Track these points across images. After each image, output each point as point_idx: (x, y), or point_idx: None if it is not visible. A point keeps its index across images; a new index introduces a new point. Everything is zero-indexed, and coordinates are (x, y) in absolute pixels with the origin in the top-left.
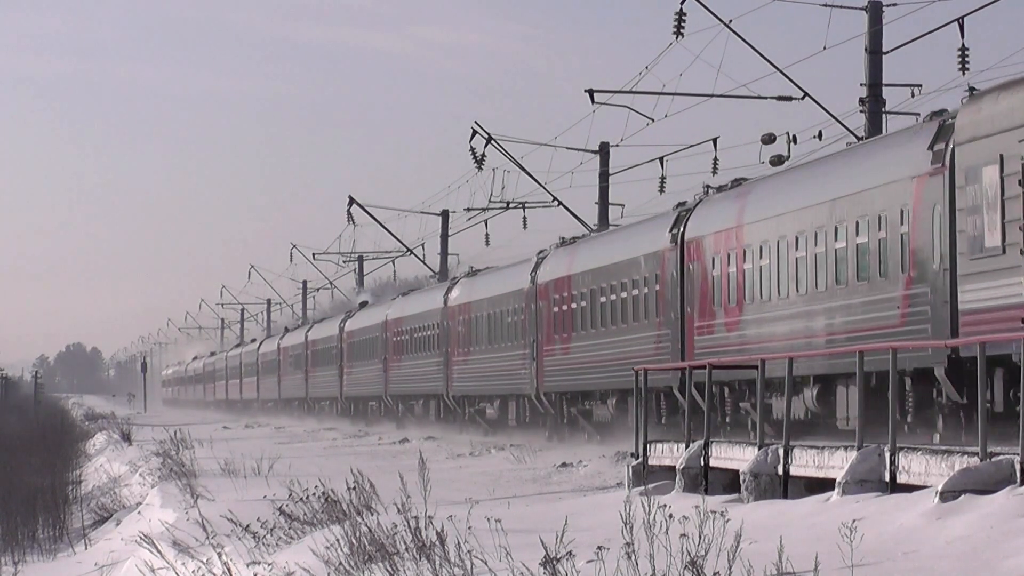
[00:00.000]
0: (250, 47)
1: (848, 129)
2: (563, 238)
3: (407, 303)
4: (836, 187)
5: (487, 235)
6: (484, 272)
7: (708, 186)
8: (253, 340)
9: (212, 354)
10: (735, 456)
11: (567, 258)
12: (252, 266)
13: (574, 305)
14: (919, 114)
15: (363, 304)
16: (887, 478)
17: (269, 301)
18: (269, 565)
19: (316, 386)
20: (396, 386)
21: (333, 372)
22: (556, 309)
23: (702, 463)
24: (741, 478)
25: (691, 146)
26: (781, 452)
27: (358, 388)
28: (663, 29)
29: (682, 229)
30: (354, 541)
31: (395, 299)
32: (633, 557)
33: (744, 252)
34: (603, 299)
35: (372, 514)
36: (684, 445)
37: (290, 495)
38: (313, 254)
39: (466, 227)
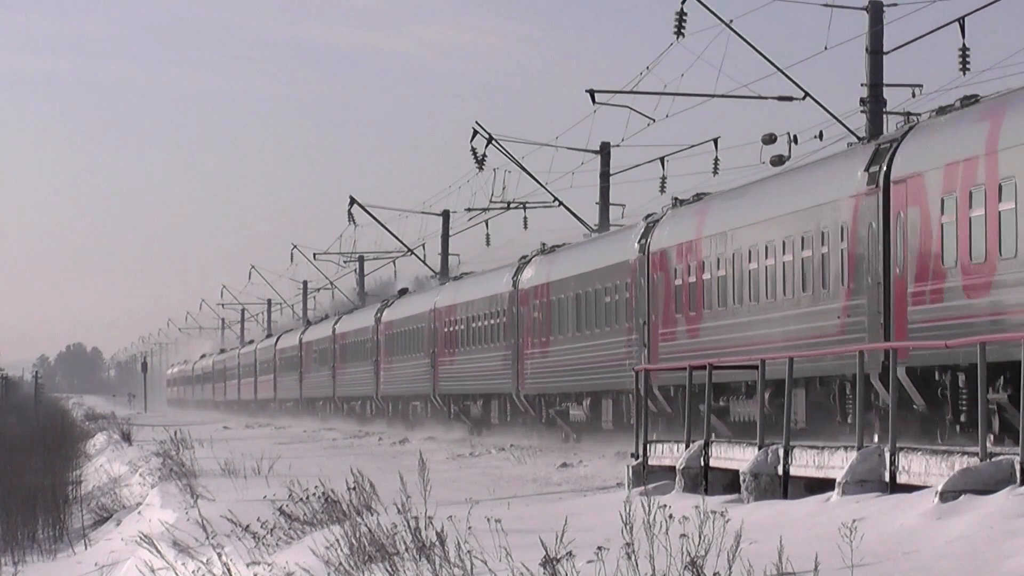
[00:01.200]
0: (250, 47)
1: (849, 129)
2: (543, 245)
3: (462, 288)
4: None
5: (488, 235)
6: (565, 249)
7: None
8: (269, 335)
9: (222, 351)
10: (735, 456)
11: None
12: (252, 266)
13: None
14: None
15: (403, 292)
16: (887, 478)
17: (270, 301)
18: (269, 565)
19: (345, 384)
20: (450, 383)
21: (367, 368)
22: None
23: (702, 463)
24: (741, 478)
25: (692, 146)
26: (781, 452)
27: (398, 386)
28: (664, 29)
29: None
30: (354, 541)
31: (445, 284)
32: (633, 557)
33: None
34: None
35: (372, 514)
36: (684, 445)
37: (290, 495)
38: (314, 254)
39: (467, 227)
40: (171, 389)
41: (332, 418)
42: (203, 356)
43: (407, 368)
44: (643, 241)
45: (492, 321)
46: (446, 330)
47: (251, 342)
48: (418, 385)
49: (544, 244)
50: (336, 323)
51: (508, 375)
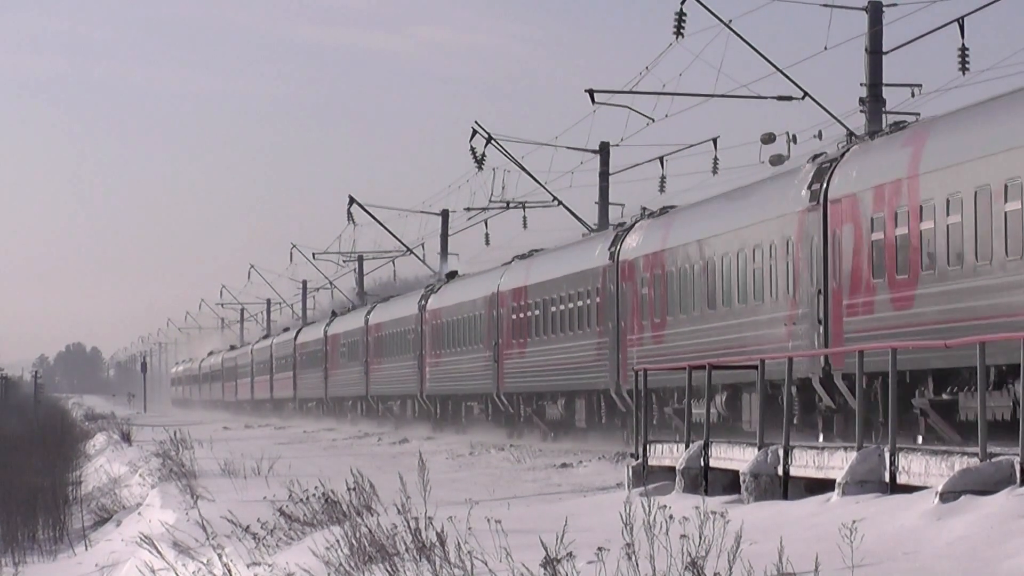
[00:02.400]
0: (250, 47)
1: (848, 129)
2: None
3: (537, 266)
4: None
5: (487, 235)
6: (680, 210)
7: (644, 208)
8: (287, 329)
9: (232, 348)
10: (735, 457)
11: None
12: (252, 266)
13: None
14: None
15: (452, 275)
16: (887, 478)
17: (269, 301)
18: (269, 566)
19: (380, 381)
20: (517, 381)
21: (409, 363)
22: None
23: (702, 464)
24: (741, 479)
25: (691, 146)
26: (781, 453)
27: (449, 384)
28: (663, 29)
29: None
30: (354, 542)
31: (510, 263)
32: (633, 558)
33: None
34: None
35: (372, 515)
36: (684, 445)
37: (290, 496)
38: (313, 254)
39: (466, 227)
40: (176, 389)
41: (363, 420)
42: (211, 353)
43: (460, 363)
44: (612, 249)
45: (584, 303)
46: (514, 317)
47: (266, 336)
48: (476, 382)
49: (644, 209)
50: (369, 313)
51: (604, 367)
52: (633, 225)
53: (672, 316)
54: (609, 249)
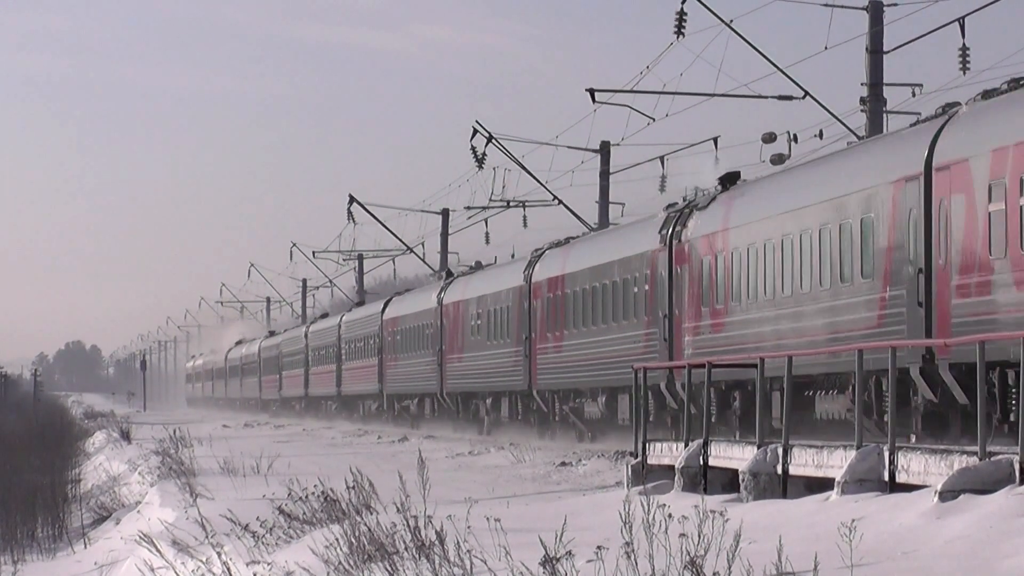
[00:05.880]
0: (250, 47)
1: (849, 129)
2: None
3: (576, 252)
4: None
5: (487, 234)
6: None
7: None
8: (325, 315)
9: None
10: (734, 455)
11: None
12: (252, 264)
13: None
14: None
15: (477, 266)
16: (886, 477)
17: (269, 299)
18: (268, 564)
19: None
20: (552, 377)
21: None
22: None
23: (701, 462)
24: (740, 477)
25: (692, 145)
26: (780, 451)
27: (471, 380)
28: (664, 29)
29: (671, 231)
30: (353, 540)
31: (541, 251)
32: (632, 557)
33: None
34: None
35: (371, 513)
36: (683, 444)
37: (289, 494)
38: (313, 252)
39: (466, 226)
40: (192, 386)
41: (375, 420)
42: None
43: (488, 359)
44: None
45: (633, 290)
46: (550, 308)
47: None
48: (503, 379)
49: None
50: (385, 307)
51: (653, 359)
52: (690, 204)
53: (736, 302)
54: (660, 232)
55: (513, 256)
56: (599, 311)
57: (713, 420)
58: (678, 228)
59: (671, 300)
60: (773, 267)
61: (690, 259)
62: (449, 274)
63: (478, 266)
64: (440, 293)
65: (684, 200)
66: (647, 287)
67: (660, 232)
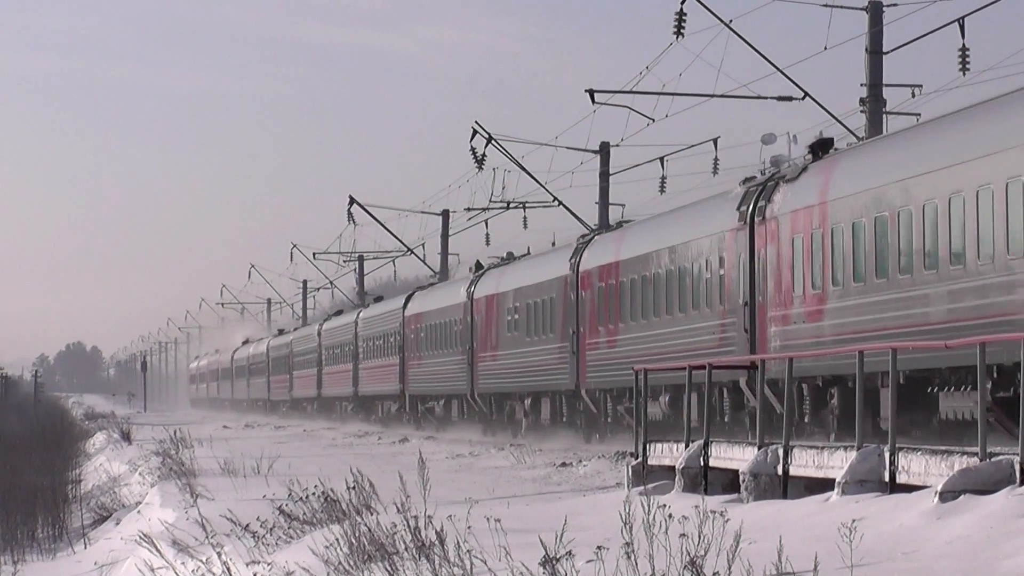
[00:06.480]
0: (251, 47)
1: (849, 129)
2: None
3: (631, 238)
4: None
5: (487, 235)
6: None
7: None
8: (339, 312)
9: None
10: (735, 456)
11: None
12: (252, 265)
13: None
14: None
15: (509, 257)
16: (887, 478)
17: (269, 300)
18: (268, 565)
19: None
20: (603, 375)
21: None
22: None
23: (701, 463)
24: (741, 478)
25: (692, 146)
26: (781, 452)
27: (505, 380)
28: (663, 29)
29: (751, 207)
30: (353, 541)
31: (590, 236)
32: (633, 557)
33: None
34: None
35: (372, 514)
36: (684, 445)
37: (289, 494)
38: (313, 254)
39: (466, 227)
40: (196, 387)
41: (395, 423)
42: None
43: (527, 356)
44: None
45: (703, 277)
46: (601, 300)
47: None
48: (545, 378)
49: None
50: (407, 303)
51: (731, 353)
52: (774, 176)
53: (840, 286)
54: (740, 208)
55: (554, 244)
56: (662, 301)
57: (806, 420)
58: (761, 204)
59: (752, 286)
60: (897, 241)
61: (778, 238)
62: (479, 266)
63: (510, 257)
64: (470, 287)
65: (763, 173)
66: (722, 272)
67: (739, 209)
